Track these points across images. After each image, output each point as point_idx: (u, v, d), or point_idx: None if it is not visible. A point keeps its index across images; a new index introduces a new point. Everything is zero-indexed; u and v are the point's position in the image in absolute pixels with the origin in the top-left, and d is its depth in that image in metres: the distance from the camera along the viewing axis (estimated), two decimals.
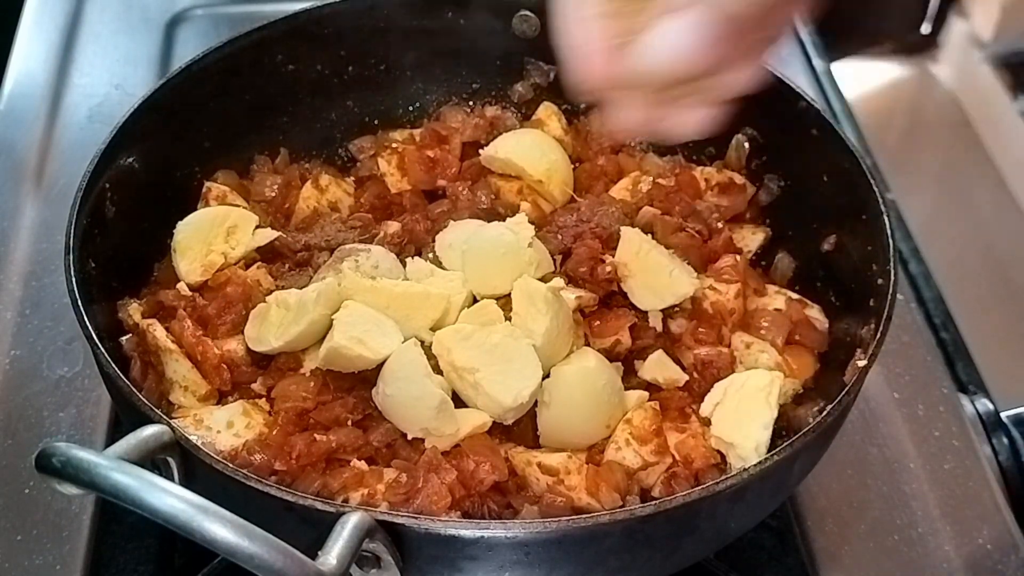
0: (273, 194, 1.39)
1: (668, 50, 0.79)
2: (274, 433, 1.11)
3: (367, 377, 1.14)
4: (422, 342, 1.14)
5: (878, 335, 1.08)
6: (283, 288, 1.22)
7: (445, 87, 1.54)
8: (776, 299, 1.29)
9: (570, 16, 0.85)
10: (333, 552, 0.82)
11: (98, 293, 1.16)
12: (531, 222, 1.25)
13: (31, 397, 1.40)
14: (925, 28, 2.85)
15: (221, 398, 1.17)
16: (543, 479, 1.08)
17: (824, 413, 1.02)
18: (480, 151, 1.42)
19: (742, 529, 1.13)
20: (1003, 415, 1.46)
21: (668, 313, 1.26)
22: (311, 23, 1.42)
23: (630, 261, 1.25)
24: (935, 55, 2.86)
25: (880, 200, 1.18)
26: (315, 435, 1.10)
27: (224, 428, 1.10)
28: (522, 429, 1.14)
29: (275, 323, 1.16)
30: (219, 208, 1.30)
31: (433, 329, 1.16)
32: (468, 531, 0.91)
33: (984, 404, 1.48)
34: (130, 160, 1.24)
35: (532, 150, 1.38)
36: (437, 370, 1.12)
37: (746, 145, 1.41)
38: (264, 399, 1.16)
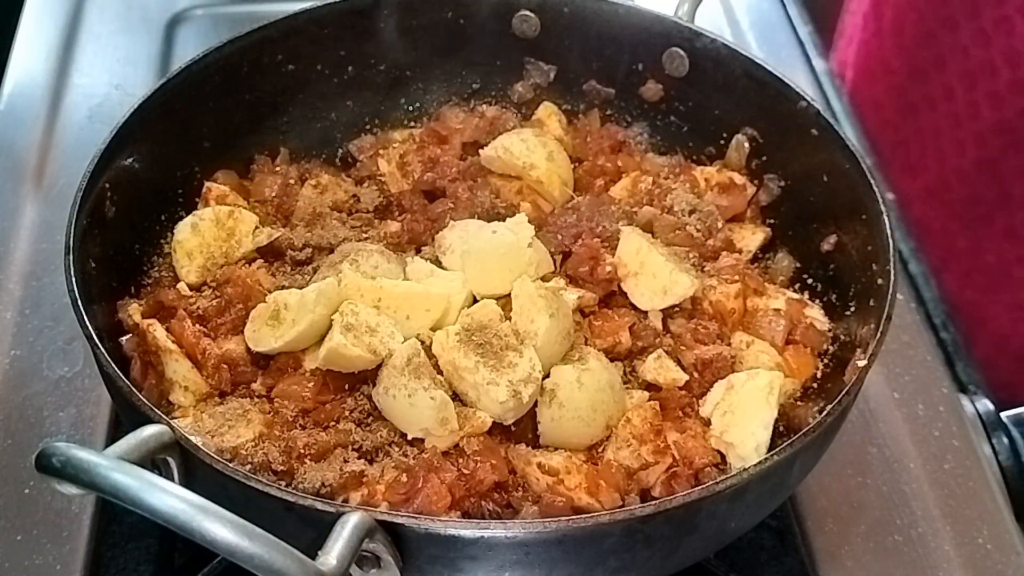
0: (273, 194, 1.39)
1: None
2: (274, 433, 1.11)
3: (367, 377, 1.14)
4: (422, 342, 1.14)
5: (878, 335, 1.08)
6: (283, 288, 1.22)
7: (445, 87, 1.54)
8: (776, 299, 1.29)
9: None
10: (333, 552, 0.82)
11: (98, 293, 1.16)
12: (531, 222, 1.25)
13: (31, 397, 1.40)
14: None
15: (221, 398, 1.17)
16: (543, 479, 1.08)
17: (824, 413, 1.02)
18: (480, 151, 1.42)
19: (742, 529, 1.12)
20: (1003, 415, 1.46)
21: (668, 313, 1.25)
22: (311, 23, 1.42)
23: (630, 261, 1.25)
24: None
25: (880, 200, 1.18)
26: (315, 435, 1.10)
27: (224, 428, 1.10)
28: (522, 429, 1.14)
29: (275, 323, 1.16)
30: (219, 208, 1.30)
31: (433, 329, 1.16)
32: (468, 531, 0.91)
33: (984, 404, 1.47)
34: (130, 160, 1.24)
35: (532, 150, 1.38)
36: (437, 370, 1.12)
37: (746, 145, 1.41)
38: (264, 399, 1.16)
